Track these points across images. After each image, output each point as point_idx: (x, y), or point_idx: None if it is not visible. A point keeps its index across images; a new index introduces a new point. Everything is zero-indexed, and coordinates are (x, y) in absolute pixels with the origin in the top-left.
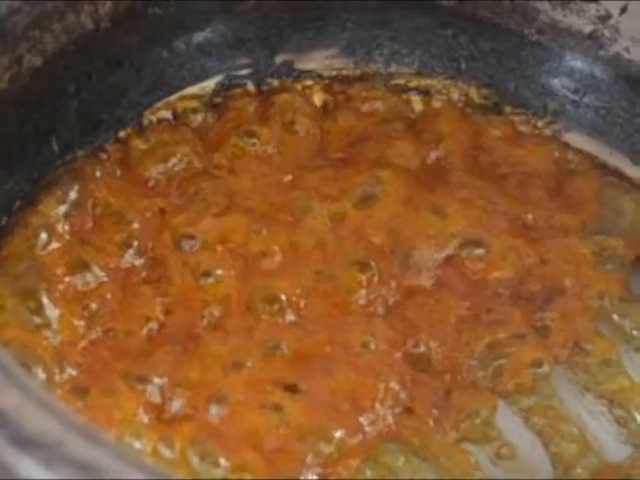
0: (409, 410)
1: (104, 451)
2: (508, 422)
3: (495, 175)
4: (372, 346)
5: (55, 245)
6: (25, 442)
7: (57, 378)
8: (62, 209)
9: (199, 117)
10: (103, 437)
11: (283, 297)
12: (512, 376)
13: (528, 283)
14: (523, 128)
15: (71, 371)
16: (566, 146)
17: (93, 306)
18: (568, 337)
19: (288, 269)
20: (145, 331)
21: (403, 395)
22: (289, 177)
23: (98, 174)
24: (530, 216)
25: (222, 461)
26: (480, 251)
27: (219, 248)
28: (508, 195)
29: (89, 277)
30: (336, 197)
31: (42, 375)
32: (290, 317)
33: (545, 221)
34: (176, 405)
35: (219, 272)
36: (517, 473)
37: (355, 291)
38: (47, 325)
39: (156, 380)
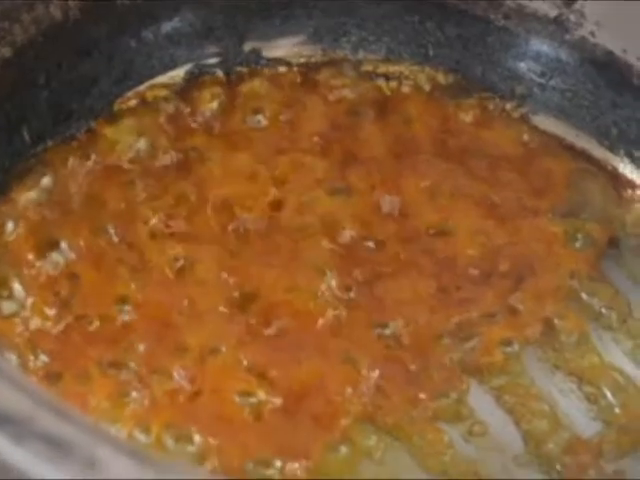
0: (381, 390)
1: (75, 427)
2: (480, 401)
3: (463, 158)
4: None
5: (25, 231)
6: None
7: (31, 365)
8: (33, 197)
9: (169, 106)
10: (74, 413)
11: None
12: (483, 355)
13: (498, 263)
14: (491, 112)
15: (44, 358)
16: (534, 129)
17: (64, 292)
18: (539, 316)
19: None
20: (120, 316)
21: (375, 375)
22: (260, 166)
23: (70, 163)
24: (499, 198)
25: (196, 438)
26: (447, 233)
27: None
28: (477, 178)
29: (59, 257)
30: (309, 186)
31: (16, 362)
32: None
33: (515, 202)
34: (152, 391)
35: (195, 260)
36: (489, 450)
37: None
38: (19, 312)
39: (131, 365)
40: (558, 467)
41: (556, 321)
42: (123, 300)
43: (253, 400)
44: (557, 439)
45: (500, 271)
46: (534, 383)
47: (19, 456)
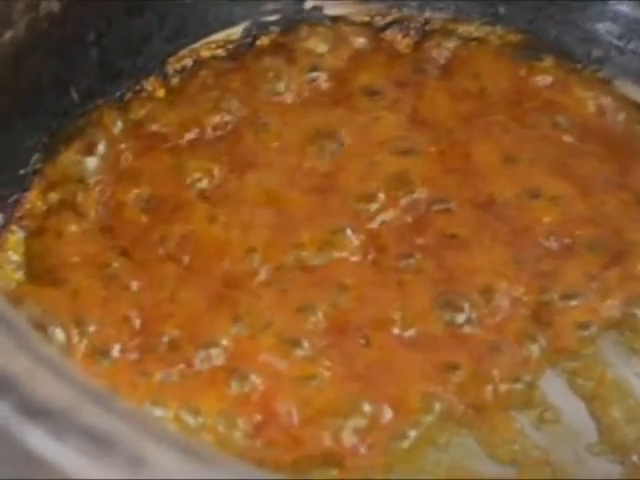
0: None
1: (120, 419)
2: (552, 385)
3: (540, 123)
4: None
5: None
6: (33, 411)
7: (76, 339)
8: (82, 161)
9: (225, 65)
10: (119, 403)
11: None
12: (558, 337)
13: (580, 236)
14: (566, 75)
15: (91, 328)
16: (612, 94)
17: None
18: (621, 299)
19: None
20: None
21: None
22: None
23: (119, 125)
24: (580, 167)
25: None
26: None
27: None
28: (555, 144)
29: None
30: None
31: (61, 337)
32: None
33: (598, 174)
34: (204, 367)
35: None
36: (561, 437)
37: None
38: (65, 281)
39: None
40: (634, 457)
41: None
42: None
43: (314, 383)
44: (634, 427)
45: (583, 246)
46: (610, 367)
47: (58, 452)
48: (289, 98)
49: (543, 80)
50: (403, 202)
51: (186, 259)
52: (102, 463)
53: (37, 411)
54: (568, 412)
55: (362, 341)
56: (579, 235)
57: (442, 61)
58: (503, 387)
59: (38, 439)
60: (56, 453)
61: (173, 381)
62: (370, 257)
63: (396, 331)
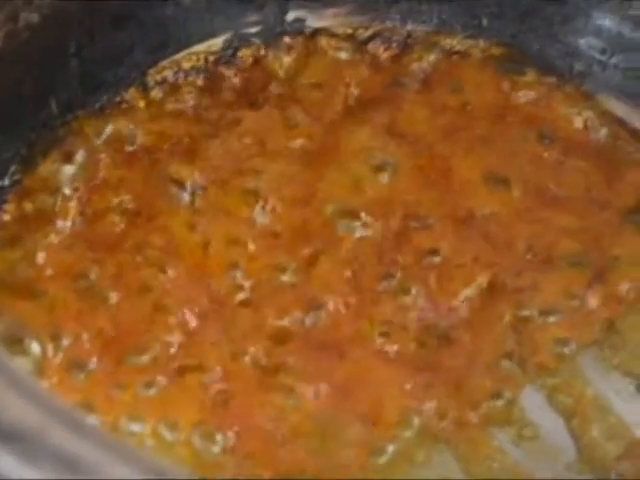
0: (429, 392)
1: (92, 443)
2: (531, 401)
3: (524, 138)
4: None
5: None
6: (3, 434)
7: (51, 352)
8: (60, 170)
9: (205, 76)
10: (91, 425)
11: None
12: (537, 354)
13: (562, 252)
14: (548, 90)
15: (66, 342)
16: (595, 109)
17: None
18: (602, 316)
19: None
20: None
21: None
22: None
23: (98, 135)
24: (564, 187)
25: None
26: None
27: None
28: (540, 163)
29: None
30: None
31: (36, 349)
32: None
33: (583, 192)
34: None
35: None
36: (540, 455)
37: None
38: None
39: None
40: (614, 475)
41: (619, 322)
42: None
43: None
44: (613, 445)
45: (564, 261)
46: (589, 384)
47: (28, 476)
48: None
49: (525, 95)
50: (381, 219)
51: (166, 268)
52: None
53: (6, 435)
54: (547, 429)
55: (338, 356)
56: (560, 250)
57: (422, 75)
58: (483, 404)
59: (7, 462)
60: (26, 476)
61: (150, 394)
62: (348, 275)
63: (374, 347)
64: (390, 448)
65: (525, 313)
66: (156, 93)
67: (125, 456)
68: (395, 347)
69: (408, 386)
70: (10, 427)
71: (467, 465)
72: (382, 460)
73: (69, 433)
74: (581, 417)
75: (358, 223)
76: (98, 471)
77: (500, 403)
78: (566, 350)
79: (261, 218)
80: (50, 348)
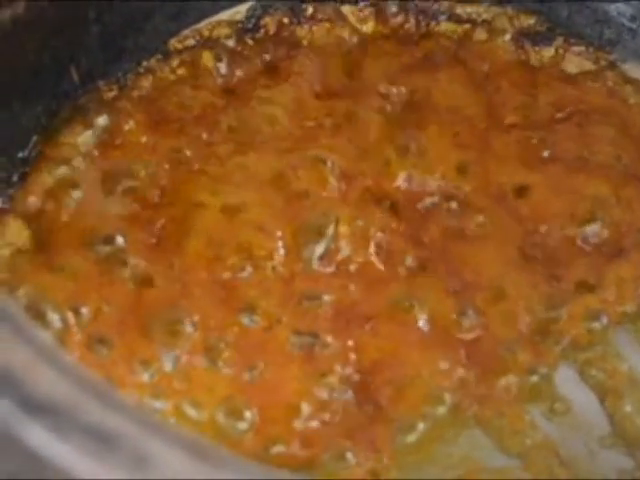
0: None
1: (123, 416)
2: (563, 376)
3: (554, 118)
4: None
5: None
6: (34, 407)
7: (73, 326)
8: (82, 141)
9: (229, 44)
10: (121, 400)
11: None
12: (570, 327)
13: (593, 227)
14: (576, 58)
15: (88, 315)
16: (624, 77)
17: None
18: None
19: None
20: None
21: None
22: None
23: (120, 105)
24: (594, 154)
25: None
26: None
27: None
28: (569, 138)
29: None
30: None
31: (57, 323)
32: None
33: (613, 160)
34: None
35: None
36: (572, 430)
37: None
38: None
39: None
40: None
41: None
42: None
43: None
44: None
45: (597, 238)
46: (623, 358)
47: (60, 450)
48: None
49: (554, 67)
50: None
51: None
52: (105, 462)
53: (38, 408)
54: (579, 403)
55: (370, 330)
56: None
57: (452, 46)
58: (517, 380)
59: (39, 437)
60: (57, 451)
61: (173, 369)
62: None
63: (408, 322)
64: (420, 426)
65: (558, 287)
66: (178, 62)
67: (158, 431)
68: (427, 324)
69: (440, 363)
70: (41, 400)
71: (499, 441)
72: (412, 439)
73: (102, 407)
74: (614, 392)
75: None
76: (130, 445)
77: (535, 379)
78: (598, 325)
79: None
80: (72, 321)
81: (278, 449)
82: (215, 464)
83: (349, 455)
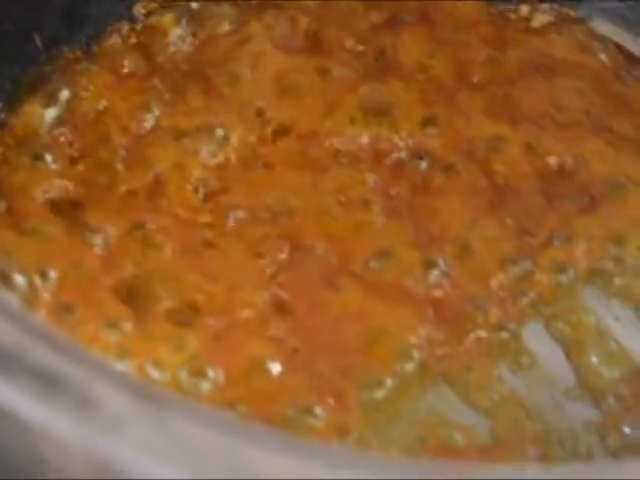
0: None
1: (70, 359)
2: (530, 330)
3: (522, 72)
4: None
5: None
6: None
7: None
8: (47, 109)
9: (193, 6)
10: (68, 343)
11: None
12: (538, 283)
13: (561, 182)
14: (543, 16)
15: (54, 281)
16: (592, 34)
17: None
18: (600, 243)
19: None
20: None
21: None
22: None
23: (85, 71)
24: (562, 110)
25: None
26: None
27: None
28: (536, 93)
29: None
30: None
31: (24, 286)
32: None
33: (582, 115)
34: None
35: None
36: (538, 383)
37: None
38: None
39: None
40: (611, 400)
41: (618, 248)
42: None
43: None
44: (612, 369)
45: (563, 192)
46: (589, 311)
47: (5, 393)
48: None
49: (521, 23)
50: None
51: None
52: (50, 404)
53: None
54: (545, 356)
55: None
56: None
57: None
58: (485, 336)
59: None
60: (2, 393)
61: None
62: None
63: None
64: (388, 383)
65: (528, 242)
66: (142, 26)
67: (105, 373)
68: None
69: (407, 319)
70: None
71: (466, 397)
72: (380, 395)
73: (47, 350)
74: (579, 344)
75: None
76: (78, 387)
77: (503, 334)
78: (566, 278)
79: None
80: (38, 284)
81: (242, 408)
82: (164, 407)
83: (317, 410)
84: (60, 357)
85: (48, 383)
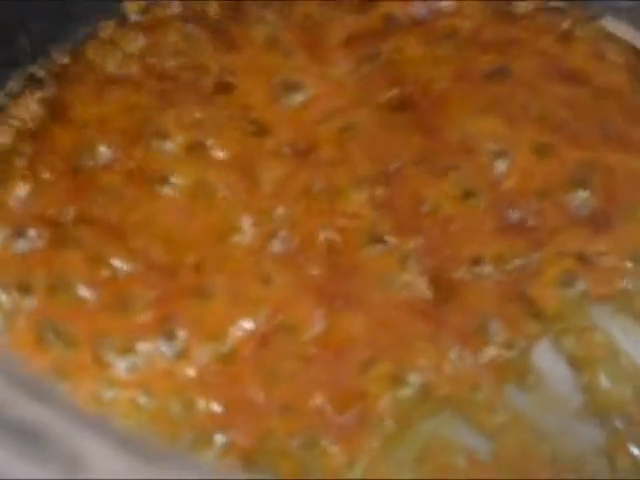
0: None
1: (59, 412)
2: (539, 348)
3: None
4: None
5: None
6: None
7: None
8: (35, 111)
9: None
10: (59, 393)
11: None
12: (547, 299)
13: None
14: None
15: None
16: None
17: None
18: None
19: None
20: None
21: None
22: None
23: (75, 73)
24: (578, 123)
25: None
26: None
27: None
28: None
29: None
30: None
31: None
32: None
33: (598, 130)
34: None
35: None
36: (545, 403)
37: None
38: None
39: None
40: (618, 420)
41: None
42: None
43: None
44: (622, 388)
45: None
46: (597, 328)
47: None
48: None
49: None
50: None
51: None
52: (35, 463)
53: None
54: (553, 376)
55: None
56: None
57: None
58: (494, 354)
59: None
60: None
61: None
62: None
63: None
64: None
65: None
66: (134, 26)
67: (96, 426)
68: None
69: (414, 341)
70: None
71: (471, 419)
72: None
73: (30, 402)
74: (589, 363)
75: None
76: (64, 442)
77: (513, 353)
78: (576, 295)
79: None
80: (20, 302)
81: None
82: (155, 463)
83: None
84: (44, 409)
85: (31, 438)
